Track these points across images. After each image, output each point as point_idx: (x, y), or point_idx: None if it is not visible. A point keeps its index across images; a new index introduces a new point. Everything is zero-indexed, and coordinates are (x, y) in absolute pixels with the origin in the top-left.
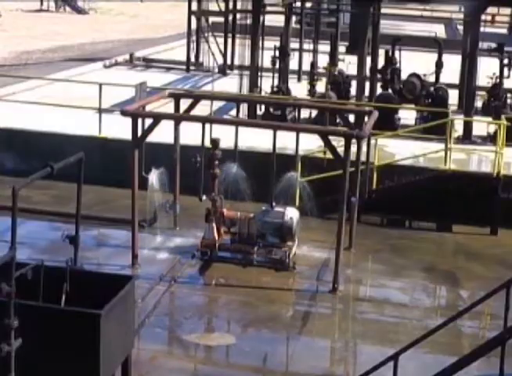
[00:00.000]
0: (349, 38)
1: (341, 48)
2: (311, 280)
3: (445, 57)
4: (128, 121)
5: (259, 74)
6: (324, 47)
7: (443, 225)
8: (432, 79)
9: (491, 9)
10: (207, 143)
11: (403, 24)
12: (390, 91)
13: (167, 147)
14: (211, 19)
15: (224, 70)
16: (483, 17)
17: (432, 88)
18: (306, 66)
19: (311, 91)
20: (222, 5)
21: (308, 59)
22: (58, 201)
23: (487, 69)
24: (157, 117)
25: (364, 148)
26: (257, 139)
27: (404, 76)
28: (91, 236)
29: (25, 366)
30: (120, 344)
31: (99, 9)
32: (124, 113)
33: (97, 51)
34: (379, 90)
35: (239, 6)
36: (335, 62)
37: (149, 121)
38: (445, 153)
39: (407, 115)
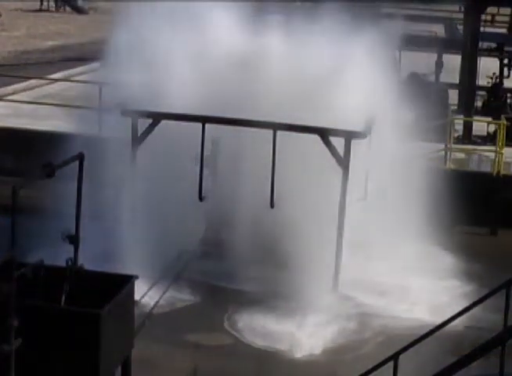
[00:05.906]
0: None
1: None
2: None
3: (445, 57)
4: None
5: None
6: None
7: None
8: (432, 79)
9: (491, 9)
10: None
11: (403, 24)
12: None
13: None
14: None
15: None
16: (483, 17)
17: (432, 88)
18: None
19: None
20: None
21: None
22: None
23: (487, 69)
24: (157, 117)
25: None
26: None
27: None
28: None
29: (25, 366)
30: (120, 344)
31: (99, 9)
32: (124, 113)
33: (97, 51)
34: None
35: None
36: None
37: None
38: (445, 153)
39: None
